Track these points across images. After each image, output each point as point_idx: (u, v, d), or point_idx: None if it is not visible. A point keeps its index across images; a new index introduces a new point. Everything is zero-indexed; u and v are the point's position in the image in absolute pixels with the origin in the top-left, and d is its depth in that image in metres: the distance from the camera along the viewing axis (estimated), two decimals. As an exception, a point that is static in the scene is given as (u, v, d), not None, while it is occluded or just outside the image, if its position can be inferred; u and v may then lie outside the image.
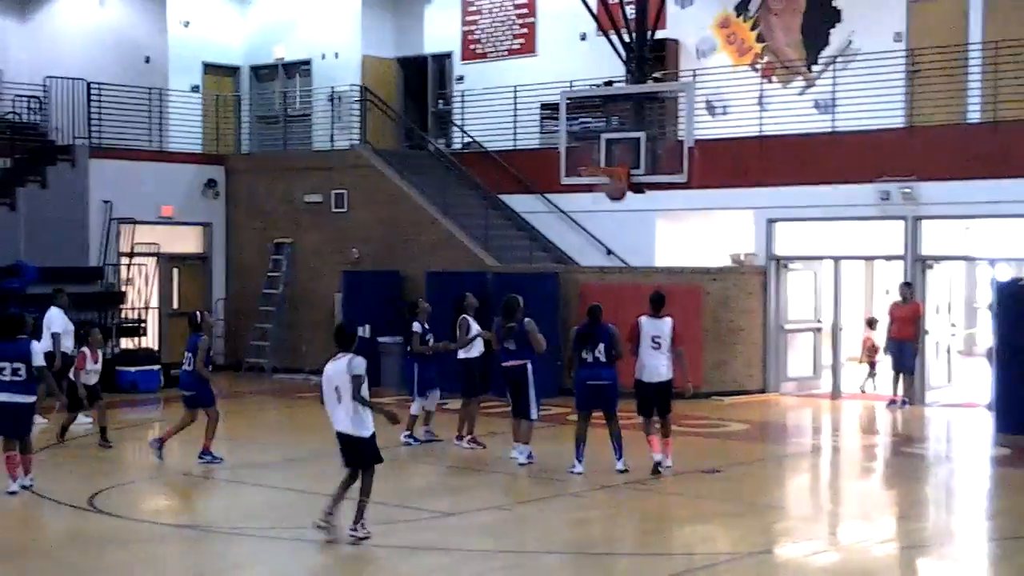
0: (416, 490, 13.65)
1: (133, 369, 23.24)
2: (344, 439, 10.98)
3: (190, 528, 11.94)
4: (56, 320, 18.77)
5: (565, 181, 21.32)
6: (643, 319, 14.27)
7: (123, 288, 25.20)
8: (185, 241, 27.13)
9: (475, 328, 15.80)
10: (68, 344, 18.42)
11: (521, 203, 25.46)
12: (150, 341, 25.15)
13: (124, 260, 25.43)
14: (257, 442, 17.49)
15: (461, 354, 15.88)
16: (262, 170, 27.13)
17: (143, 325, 25.09)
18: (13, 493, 12.74)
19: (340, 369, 10.85)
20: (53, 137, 26.51)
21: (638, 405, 14.35)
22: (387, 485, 11.86)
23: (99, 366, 16.88)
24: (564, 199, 24.31)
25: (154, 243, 26.02)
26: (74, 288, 24.32)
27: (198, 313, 15.52)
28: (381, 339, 22.92)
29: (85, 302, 24.13)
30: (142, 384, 22.99)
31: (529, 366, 14.75)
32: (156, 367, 23.36)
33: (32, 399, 12.97)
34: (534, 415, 14.81)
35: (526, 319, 14.83)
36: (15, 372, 12.68)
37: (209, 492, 13.95)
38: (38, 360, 12.89)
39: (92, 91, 25.96)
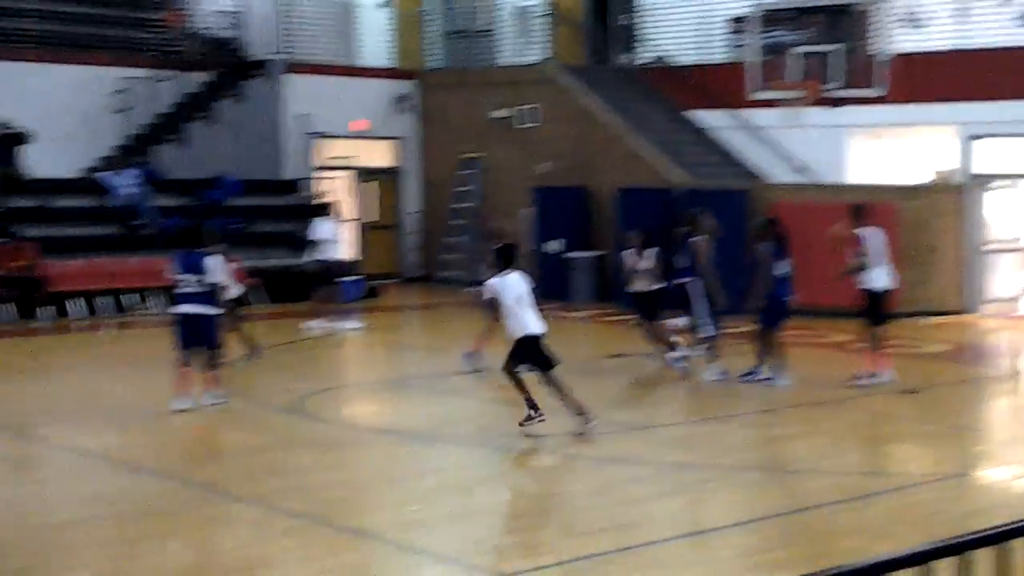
0: (610, 401, 13.83)
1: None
2: (537, 340, 11.36)
3: (390, 433, 12.33)
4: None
5: (755, 96, 21.00)
6: (867, 230, 14.17)
7: (318, 201, 25.89)
8: (378, 155, 27.65)
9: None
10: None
11: (709, 119, 25.18)
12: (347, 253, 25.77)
13: (319, 174, 26.11)
14: (451, 353, 17.87)
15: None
16: (452, 85, 27.38)
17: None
18: (182, 411, 12.59)
19: (519, 280, 11.49)
20: (250, 52, 27.17)
21: (871, 316, 14.28)
22: (584, 396, 12.02)
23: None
24: (753, 114, 23.96)
25: (348, 157, 26.62)
26: (271, 200, 25.21)
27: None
28: (571, 254, 23.11)
29: (281, 215, 24.96)
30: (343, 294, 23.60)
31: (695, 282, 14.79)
32: (356, 278, 23.90)
33: (215, 311, 12.89)
34: (707, 331, 14.84)
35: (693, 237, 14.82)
36: (199, 283, 12.65)
37: (408, 400, 14.36)
38: (213, 275, 12.82)
39: (285, 6, 26.49)
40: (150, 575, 7.76)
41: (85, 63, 25.09)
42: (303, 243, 23.92)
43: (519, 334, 11.44)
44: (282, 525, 8.85)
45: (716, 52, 25.44)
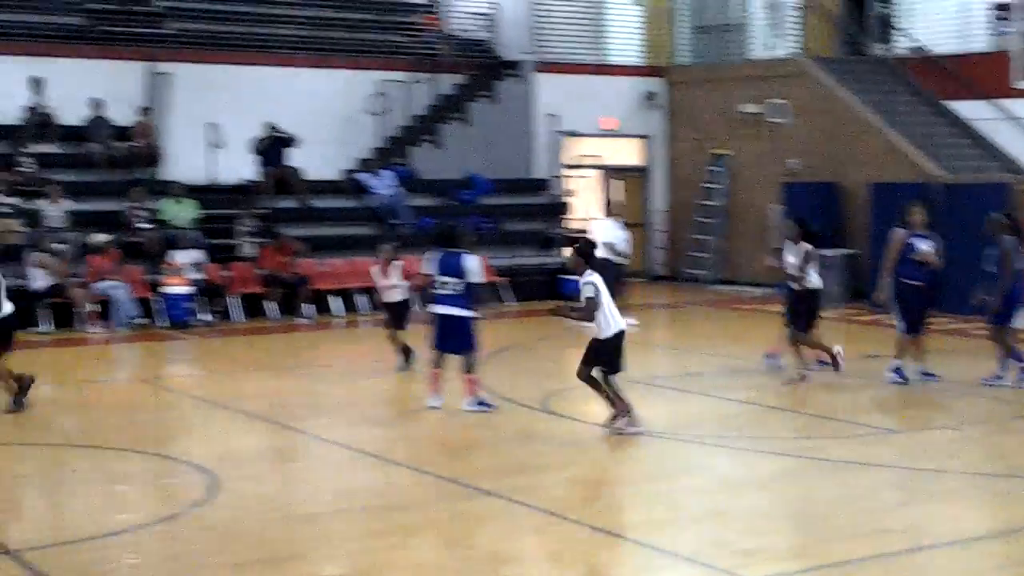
0: (864, 406, 13.51)
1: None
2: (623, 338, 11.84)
3: (637, 432, 12.33)
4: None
5: (1019, 85, 20.12)
6: None
7: (566, 199, 26.16)
8: (626, 153, 27.72)
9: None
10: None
11: (969, 110, 24.24)
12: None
13: (567, 172, 26.37)
14: (698, 352, 17.80)
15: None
16: (699, 81, 27.21)
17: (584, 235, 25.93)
18: (434, 408, 12.75)
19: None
20: (501, 53, 27.62)
21: None
22: (837, 399, 11.80)
23: (394, 281, 15.63)
24: (1018, 105, 22.95)
25: (596, 155, 26.79)
26: (520, 199, 25.58)
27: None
28: (822, 252, 22.61)
29: (530, 213, 25.33)
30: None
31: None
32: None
33: (469, 313, 12.78)
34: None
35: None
36: (454, 284, 12.65)
37: (653, 399, 14.33)
38: (469, 277, 12.71)
39: (537, 6, 26.83)
40: (403, 567, 8.00)
41: (346, 67, 26.02)
42: (551, 242, 24.31)
43: (612, 331, 11.48)
44: (530, 522, 9.00)
45: (977, 40, 24.47)
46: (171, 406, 14.23)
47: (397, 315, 15.59)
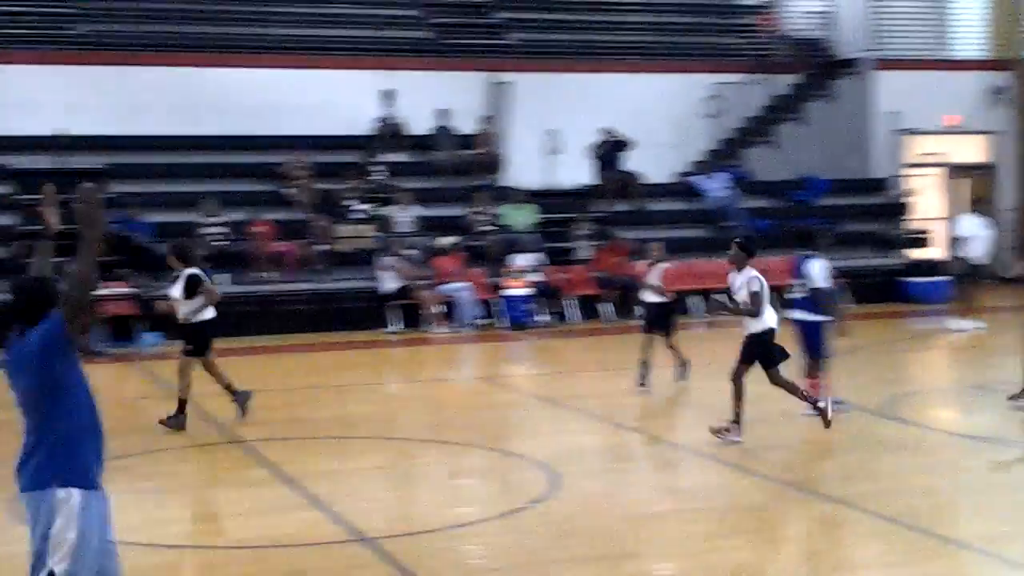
0: None
1: (918, 280, 23.42)
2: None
3: (978, 439, 11.89)
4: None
5: None
6: None
7: (907, 199, 25.37)
8: (970, 150, 26.62)
9: None
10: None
11: None
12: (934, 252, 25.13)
13: (908, 171, 25.56)
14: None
15: None
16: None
17: (926, 236, 25.09)
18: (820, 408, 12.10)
19: None
20: (838, 51, 27.03)
21: None
22: None
23: (654, 282, 14.80)
24: None
25: (938, 153, 25.85)
26: (858, 200, 25.01)
27: None
28: None
29: (868, 214, 24.71)
30: (929, 295, 23.03)
31: None
32: (942, 278, 23.25)
33: (820, 318, 12.40)
34: None
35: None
36: (802, 290, 12.42)
37: (993, 405, 13.71)
38: (815, 280, 12.35)
39: (876, 2, 26.14)
40: (738, 570, 8.03)
41: (679, 71, 26.16)
42: (891, 242, 23.64)
43: (767, 326, 11.39)
44: (869, 528, 8.85)
45: None
46: (511, 404, 14.75)
47: (655, 318, 14.63)
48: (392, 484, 10.99)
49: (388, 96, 24.22)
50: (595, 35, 27.27)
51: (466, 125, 24.52)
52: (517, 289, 21.13)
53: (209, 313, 12.69)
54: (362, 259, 21.69)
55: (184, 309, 12.52)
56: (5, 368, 5.51)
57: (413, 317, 20.83)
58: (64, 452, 5.42)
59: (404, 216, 22.34)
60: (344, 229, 22.16)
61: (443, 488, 10.62)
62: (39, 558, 5.41)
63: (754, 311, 11.36)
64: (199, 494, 9.97)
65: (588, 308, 21.63)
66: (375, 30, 26.12)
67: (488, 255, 22.00)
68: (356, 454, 11.80)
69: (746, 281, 11.52)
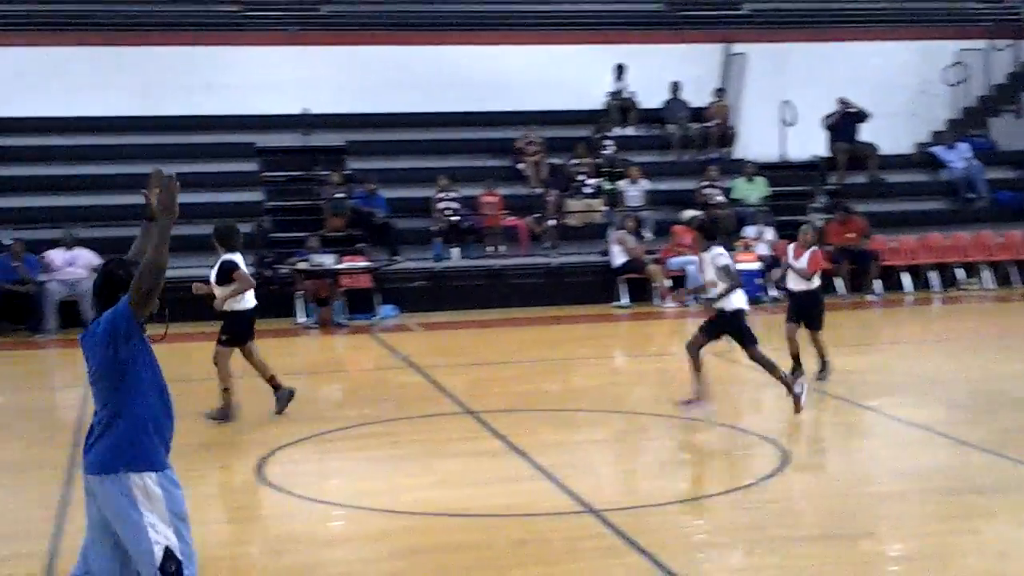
0: None
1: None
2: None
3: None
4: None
5: None
6: None
7: None
8: None
9: None
10: None
11: None
12: None
13: None
14: None
15: None
16: None
17: None
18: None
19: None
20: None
21: None
22: None
23: (800, 264, 13.60)
24: None
25: None
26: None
27: None
28: None
29: None
30: None
31: None
32: None
33: None
34: None
35: None
36: None
37: None
38: None
39: None
40: (974, 552, 7.82)
41: (920, 38, 25.34)
42: None
43: (736, 306, 11.48)
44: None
45: None
46: (739, 380, 14.62)
47: (801, 307, 13.53)
48: (619, 457, 11.07)
49: (620, 70, 24.25)
50: (832, 3, 26.64)
51: (698, 98, 24.36)
52: (748, 263, 20.90)
53: (247, 302, 11.82)
54: (592, 233, 21.84)
55: (219, 295, 11.68)
56: (82, 345, 5.60)
57: (642, 291, 20.87)
58: (130, 437, 5.47)
59: (634, 190, 22.37)
60: (574, 203, 22.34)
61: (669, 462, 10.65)
62: (137, 539, 5.42)
63: (736, 283, 11.44)
64: (433, 463, 10.26)
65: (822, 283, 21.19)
66: (608, 3, 26.17)
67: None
68: (583, 426, 11.93)
69: (711, 259, 11.53)
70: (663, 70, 24.24)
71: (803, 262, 13.48)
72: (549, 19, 25.66)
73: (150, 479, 5.46)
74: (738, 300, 11.58)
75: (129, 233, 21.61)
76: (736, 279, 11.52)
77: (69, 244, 19.26)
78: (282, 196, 22.48)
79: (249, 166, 22.92)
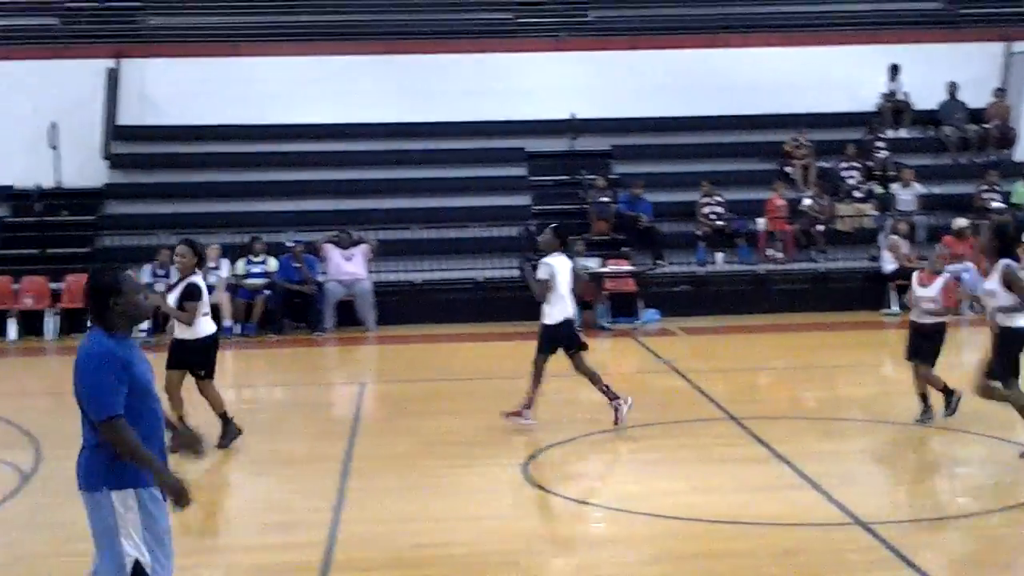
0: None
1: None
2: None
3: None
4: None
5: None
6: None
7: None
8: None
9: None
10: None
11: None
12: None
13: None
14: None
15: None
16: None
17: None
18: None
19: (567, 263, 11.99)
20: None
21: None
22: None
23: (928, 291, 11.70)
24: None
25: None
26: None
27: None
28: None
29: None
30: None
31: None
32: None
33: None
34: None
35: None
36: None
37: None
38: None
39: None
40: None
41: None
42: None
43: (560, 318, 11.53)
44: None
45: None
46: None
47: (921, 341, 11.67)
48: (887, 469, 10.80)
49: (895, 70, 23.61)
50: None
51: (976, 98, 23.46)
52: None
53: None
54: (862, 238, 21.33)
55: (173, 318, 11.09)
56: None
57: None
58: (112, 455, 5.46)
59: (906, 194, 21.72)
60: (844, 208, 21.86)
61: (941, 476, 10.34)
62: (110, 553, 5.50)
63: (539, 295, 11.60)
64: (696, 468, 10.25)
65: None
66: (882, 2, 25.50)
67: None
68: (850, 436, 11.69)
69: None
70: (939, 70, 23.44)
71: (933, 291, 11.68)
72: (820, 20, 25.16)
73: (131, 497, 5.50)
74: (561, 311, 11.75)
75: (406, 236, 22.38)
76: (545, 292, 11.66)
77: (346, 245, 20.06)
78: (548, 200, 22.82)
79: (518, 170, 23.36)
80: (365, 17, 25.52)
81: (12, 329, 19.59)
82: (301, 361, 17.83)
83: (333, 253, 19.98)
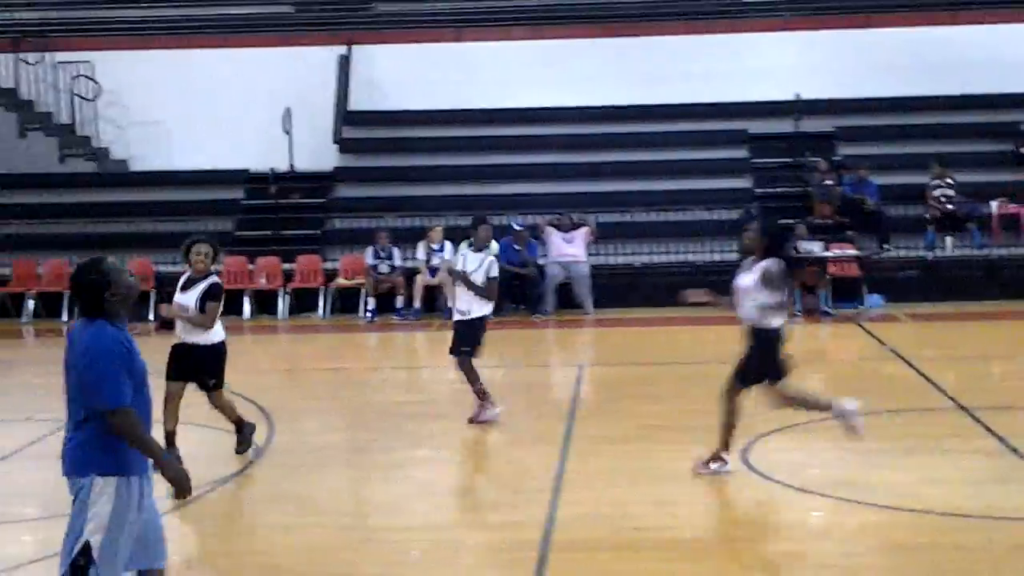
0: None
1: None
2: None
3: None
4: None
5: None
6: None
7: None
8: None
9: None
10: None
11: None
12: None
13: None
14: None
15: None
16: None
17: None
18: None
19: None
20: None
21: None
22: None
23: None
24: None
25: None
26: None
27: None
28: None
29: None
30: None
31: None
32: None
33: None
34: None
35: None
36: None
37: None
38: None
39: None
40: None
41: None
42: None
43: (484, 313, 11.51)
44: None
45: None
46: None
47: None
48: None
49: None
50: None
51: None
52: None
53: (215, 334, 10.10)
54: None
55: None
56: (68, 342, 5.71)
57: None
58: (102, 443, 5.55)
59: None
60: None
61: None
62: (72, 531, 5.57)
63: (485, 294, 11.42)
64: (921, 458, 9.97)
65: None
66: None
67: None
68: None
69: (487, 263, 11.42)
70: None
71: None
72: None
73: (111, 485, 5.56)
74: (485, 308, 11.58)
75: (625, 219, 22.40)
76: (493, 293, 11.53)
77: (566, 228, 20.19)
78: (771, 183, 22.48)
79: (739, 153, 23.08)
80: (591, 1, 25.62)
81: (247, 308, 20.44)
82: (522, 342, 18.03)
83: (554, 236, 20.15)
